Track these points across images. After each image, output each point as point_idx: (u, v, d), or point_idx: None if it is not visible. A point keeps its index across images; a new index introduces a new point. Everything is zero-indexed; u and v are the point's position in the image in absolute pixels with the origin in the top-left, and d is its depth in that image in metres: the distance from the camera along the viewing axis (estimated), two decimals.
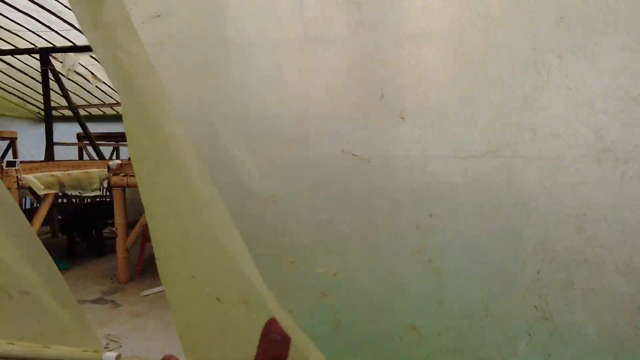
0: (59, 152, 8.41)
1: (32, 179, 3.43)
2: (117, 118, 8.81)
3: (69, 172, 3.93)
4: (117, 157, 7.96)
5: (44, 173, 3.61)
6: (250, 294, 0.39)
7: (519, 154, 0.55)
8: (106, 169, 4.31)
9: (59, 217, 6.78)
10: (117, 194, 3.66)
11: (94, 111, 8.66)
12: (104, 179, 3.68)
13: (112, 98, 7.93)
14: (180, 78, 0.64)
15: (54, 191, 3.66)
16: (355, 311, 0.65)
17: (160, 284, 3.57)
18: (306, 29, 0.61)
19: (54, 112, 8.68)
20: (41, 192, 3.51)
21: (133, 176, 3.60)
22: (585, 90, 0.52)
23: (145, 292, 3.41)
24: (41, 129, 8.80)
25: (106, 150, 7.79)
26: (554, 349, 0.57)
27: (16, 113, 8.15)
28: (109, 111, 8.63)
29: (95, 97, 7.89)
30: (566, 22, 0.51)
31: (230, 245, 0.41)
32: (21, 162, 3.63)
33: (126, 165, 3.66)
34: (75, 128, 7.23)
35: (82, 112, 8.71)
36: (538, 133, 0.54)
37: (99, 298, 3.33)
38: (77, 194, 3.96)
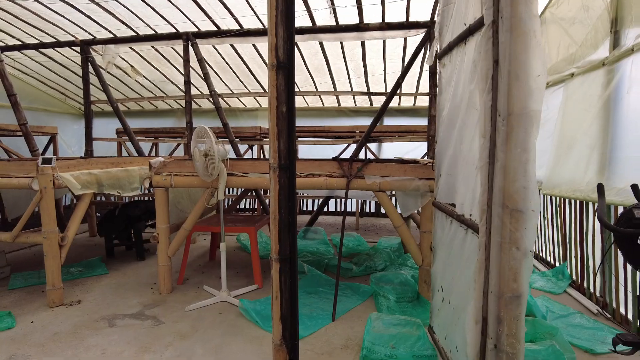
0: (98, 148, 8.29)
1: (69, 177, 3.12)
2: (156, 113, 8.62)
3: (108, 170, 3.61)
4: (156, 153, 7.74)
5: (81, 171, 3.30)
6: None
7: None
8: (146, 167, 3.98)
9: (97, 214, 6.61)
10: (159, 195, 3.30)
11: (133, 106, 8.49)
12: (145, 178, 3.33)
13: (151, 92, 7.71)
14: None
15: (91, 191, 3.34)
16: None
17: (205, 297, 3.19)
18: None
19: (93, 107, 8.59)
20: (78, 192, 3.19)
21: (177, 175, 3.23)
22: None
23: (190, 307, 3.02)
24: (82, 124, 8.75)
25: (145, 146, 7.59)
26: None
27: (58, 108, 8.07)
28: (147, 106, 8.43)
29: (134, 91, 7.68)
30: None
31: None
32: (57, 158, 3.32)
33: (170, 163, 3.29)
34: (115, 123, 7.03)
35: (120, 107, 8.58)
36: None
37: (138, 312, 2.98)
38: (116, 193, 3.64)
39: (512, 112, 1.44)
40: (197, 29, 5.25)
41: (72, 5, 4.89)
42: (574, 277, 3.51)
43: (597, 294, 3.17)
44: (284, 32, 1.62)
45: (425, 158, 5.79)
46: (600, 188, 2.19)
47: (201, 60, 5.28)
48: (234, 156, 5.51)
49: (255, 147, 6.90)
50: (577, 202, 3.30)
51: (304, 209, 7.55)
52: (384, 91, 6.94)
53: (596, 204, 3.05)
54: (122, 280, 3.70)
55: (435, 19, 4.69)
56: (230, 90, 7.10)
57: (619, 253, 2.79)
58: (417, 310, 3.01)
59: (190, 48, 5.22)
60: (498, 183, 1.53)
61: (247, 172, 3.16)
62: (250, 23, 5.01)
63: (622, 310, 2.84)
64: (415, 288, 3.26)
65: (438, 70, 2.32)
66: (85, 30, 5.46)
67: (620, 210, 2.63)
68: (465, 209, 1.83)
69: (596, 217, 2.48)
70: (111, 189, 3.63)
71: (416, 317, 2.90)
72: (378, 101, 7.38)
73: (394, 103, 7.52)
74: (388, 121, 7.68)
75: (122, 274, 3.89)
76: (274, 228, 1.66)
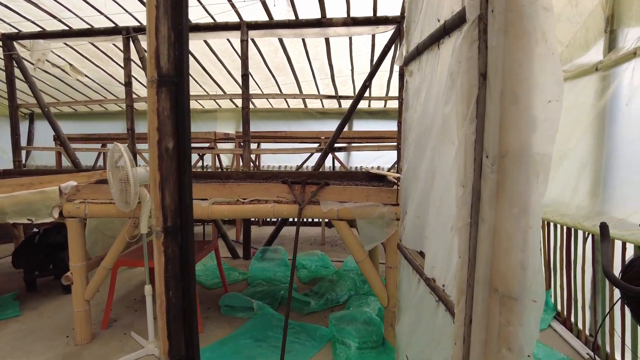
0: (41, 157, 7.47)
1: None
2: (105, 115, 7.85)
3: (14, 193, 2.98)
4: (104, 163, 7.01)
5: None
6: None
7: None
8: (73, 184, 3.35)
9: (35, 229, 5.85)
10: (72, 227, 2.70)
11: (81, 108, 7.72)
12: (53, 207, 2.72)
13: (98, 94, 6.97)
14: None
15: None
16: None
17: (130, 348, 2.61)
18: None
19: (35, 110, 7.75)
20: None
21: (93, 203, 2.64)
22: None
23: None
24: (24, 128, 7.87)
25: (89, 156, 6.85)
26: None
27: None
28: (96, 107, 7.67)
29: (80, 92, 6.93)
30: None
31: None
32: None
33: (84, 188, 2.69)
34: (65, 127, 5.86)
35: (67, 110, 7.78)
36: None
37: None
38: (27, 221, 3.01)
39: (506, 153, 0.96)
40: (138, 23, 4.61)
41: None
42: (559, 309, 3.12)
43: (587, 332, 2.78)
44: (168, 31, 1.08)
45: (396, 168, 5.34)
46: (604, 229, 1.74)
47: (144, 59, 4.64)
48: None
49: (209, 157, 6.27)
50: (565, 227, 2.90)
51: (267, 220, 7.00)
52: (352, 92, 6.45)
53: (587, 233, 2.64)
54: (34, 325, 3.08)
55: (406, 13, 4.22)
56: None
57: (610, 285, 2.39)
58: None
59: (132, 44, 4.59)
60: (484, 253, 1.05)
61: None
62: (199, 15, 4.41)
63: (617, 356, 2.45)
64: (380, 330, 2.79)
65: (405, 80, 1.83)
66: (4, 21, 4.72)
67: (627, 249, 2.21)
68: (437, 274, 1.35)
69: (600, 268, 2.07)
70: (19, 216, 3.00)
71: None
72: (347, 102, 6.88)
73: (364, 105, 7.05)
74: (357, 125, 7.21)
75: (37, 315, 3.25)
76: (161, 319, 1.13)
